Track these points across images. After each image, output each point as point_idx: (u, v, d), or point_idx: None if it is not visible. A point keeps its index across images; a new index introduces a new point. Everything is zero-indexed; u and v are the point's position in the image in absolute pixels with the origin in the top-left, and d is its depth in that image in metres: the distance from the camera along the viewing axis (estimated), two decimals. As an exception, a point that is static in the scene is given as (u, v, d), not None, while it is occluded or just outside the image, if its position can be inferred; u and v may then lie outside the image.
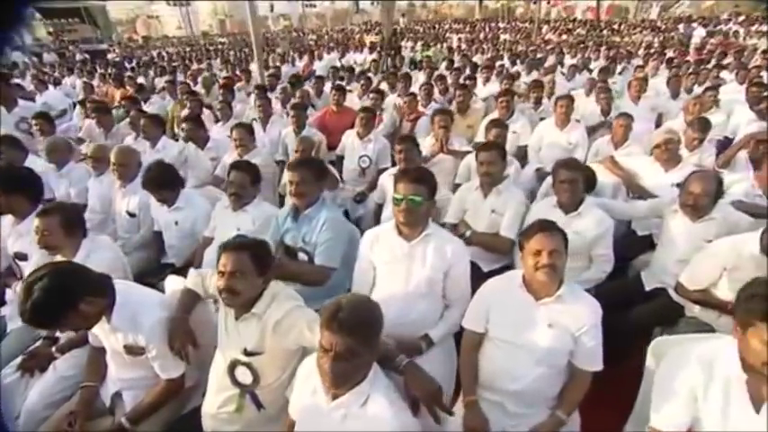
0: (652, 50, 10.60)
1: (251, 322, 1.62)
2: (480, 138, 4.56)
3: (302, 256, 2.32)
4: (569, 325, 1.61)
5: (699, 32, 13.77)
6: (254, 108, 4.76)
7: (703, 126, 3.53)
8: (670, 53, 10.06)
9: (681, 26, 15.61)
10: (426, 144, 3.77)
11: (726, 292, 2.05)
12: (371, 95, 4.86)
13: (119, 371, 1.81)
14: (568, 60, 9.30)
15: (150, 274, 2.84)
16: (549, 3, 15.41)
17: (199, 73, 8.75)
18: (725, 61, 8.74)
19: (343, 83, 6.32)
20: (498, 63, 8.15)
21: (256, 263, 1.59)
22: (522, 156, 4.30)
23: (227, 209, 2.66)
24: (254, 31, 6.16)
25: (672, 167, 3.09)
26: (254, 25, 6.14)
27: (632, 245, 3.02)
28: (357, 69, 8.21)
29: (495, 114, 4.52)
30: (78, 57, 14.19)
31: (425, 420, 1.41)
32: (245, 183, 2.55)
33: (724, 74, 7.56)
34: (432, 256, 1.94)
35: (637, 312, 2.37)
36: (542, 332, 1.62)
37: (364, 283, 2.08)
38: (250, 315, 1.62)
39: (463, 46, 13.08)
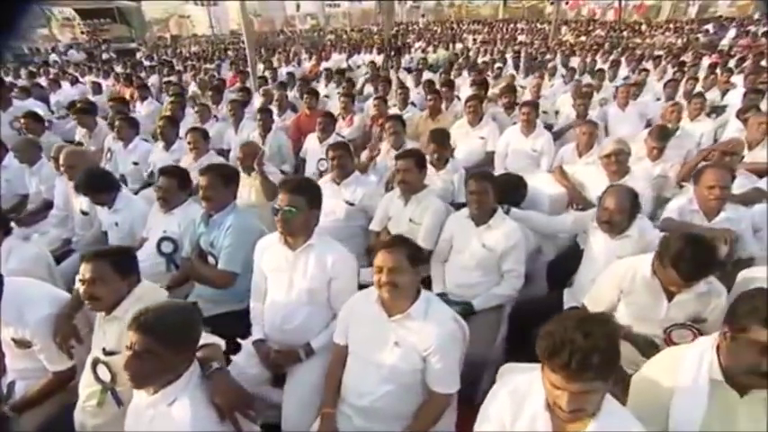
0: (671, 53, 10.17)
1: (113, 323, 1.70)
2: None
3: (211, 259, 2.40)
4: (417, 344, 1.59)
5: (730, 34, 13.04)
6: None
7: (661, 135, 3.38)
8: (689, 56, 9.59)
9: (710, 27, 14.82)
10: (383, 150, 3.79)
11: (624, 317, 1.98)
12: (342, 99, 4.88)
13: (11, 361, 1.93)
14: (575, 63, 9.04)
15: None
16: (566, 4, 14.91)
17: (206, 73, 9.03)
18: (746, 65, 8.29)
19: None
20: (497, 65, 8.01)
21: (117, 269, 1.67)
22: (489, 162, 4.25)
23: (159, 211, 2.76)
24: (246, 31, 6.29)
25: (618, 179, 2.97)
26: (245, 25, 6.27)
27: (576, 260, 2.95)
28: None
29: (464, 120, 4.47)
30: (105, 56, 14.86)
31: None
32: (171, 187, 2.64)
33: (738, 78, 7.18)
34: (313, 266, 1.97)
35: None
36: (389, 349, 1.62)
37: (258, 290, 2.14)
38: (112, 317, 1.70)
39: (480, 47, 12.85)
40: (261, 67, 9.10)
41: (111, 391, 1.70)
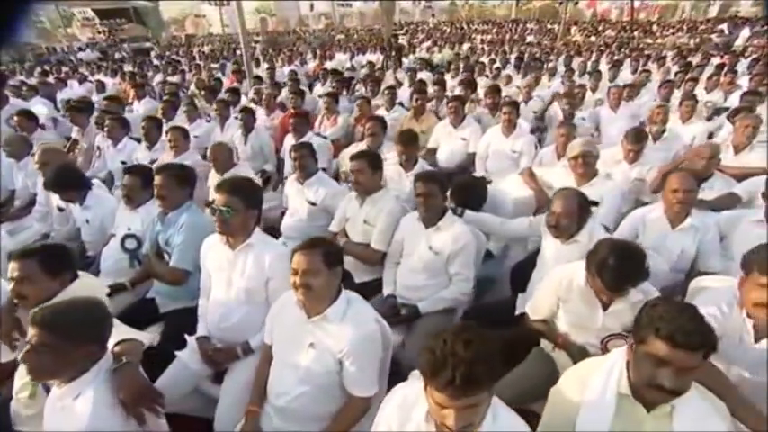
0: (680, 54, 9.92)
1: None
2: (432, 144, 4.51)
3: (167, 257, 2.44)
4: (332, 346, 1.59)
5: (744, 33, 12.64)
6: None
7: (637, 137, 3.31)
8: (697, 57, 9.34)
9: (724, 27, 14.37)
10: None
11: (563, 325, 1.95)
12: (325, 99, 4.90)
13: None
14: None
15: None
16: (575, 4, 14.63)
17: (210, 72, 9.16)
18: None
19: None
20: (495, 65, 7.93)
21: (45, 268, 1.71)
22: (471, 163, 4.22)
23: (125, 209, 2.82)
24: (241, 32, 6.36)
25: (585, 182, 2.92)
26: (241, 24, 6.34)
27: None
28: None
29: (447, 120, 4.44)
30: (117, 55, 15.20)
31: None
32: (135, 185, 2.68)
33: (745, 80, 6.96)
34: (251, 265, 1.99)
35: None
36: (305, 351, 1.62)
37: (205, 287, 2.17)
38: None
39: (485, 47, 12.74)
40: (265, 66, 9.21)
41: (42, 384, 1.75)
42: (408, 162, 3.17)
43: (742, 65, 8.34)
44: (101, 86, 7.64)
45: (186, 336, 2.17)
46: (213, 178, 3.45)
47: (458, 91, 5.54)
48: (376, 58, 11.08)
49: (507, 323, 2.31)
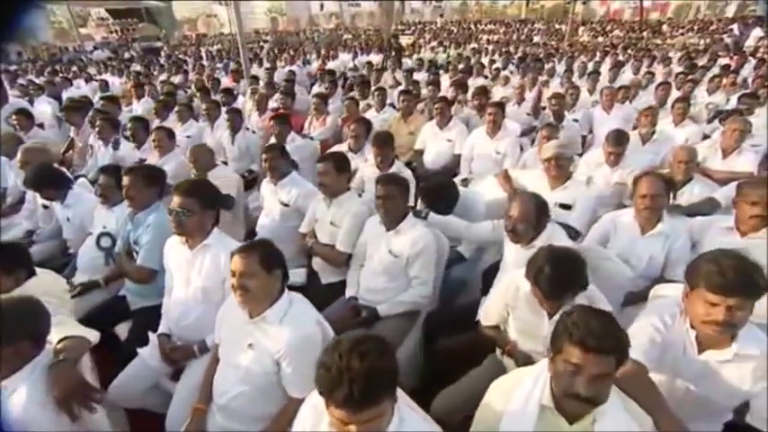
0: (687, 54, 9.72)
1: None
2: (419, 145, 4.50)
3: (136, 256, 2.48)
4: (269, 347, 1.60)
5: (756, 33, 12.33)
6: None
7: (617, 140, 3.26)
8: (704, 58, 9.16)
9: (735, 27, 14.04)
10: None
11: (512, 332, 1.93)
12: (314, 100, 4.93)
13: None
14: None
15: (53, 262, 3.17)
16: (584, 3, 14.43)
17: (213, 72, 9.26)
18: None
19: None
20: (495, 66, 7.88)
21: None
22: (456, 165, 4.20)
23: (102, 207, 2.88)
24: (239, 31, 6.43)
25: (558, 185, 2.89)
26: (239, 24, 6.40)
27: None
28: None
29: (434, 122, 4.42)
30: (126, 55, 15.46)
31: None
32: (110, 185, 2.73)
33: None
34: (207, 265, 2.02)
35: (454, 342, 2.26)
36: (244, 351, 1.64)
37: (169, 286, 2.21)
38: None
39: (489, 47, 12.66)
40: (267, 65, 9.28)
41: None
42: (384, 163, 3.17)
43: (750, 66, 8.17)
44: (104, 85, 7.77)
45: (150, 333, 2.22)
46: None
47: (450, 92, 5.51)
48: (380, 58, 11.09)
49: (473, 327, 2.32)
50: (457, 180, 3.99)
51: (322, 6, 29.79)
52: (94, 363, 2.12)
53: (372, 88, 5.41)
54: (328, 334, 1.71)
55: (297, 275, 2.78)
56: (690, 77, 6.26)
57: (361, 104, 5.48)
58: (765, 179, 2.30)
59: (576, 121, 5.13)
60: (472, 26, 21.26)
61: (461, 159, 4.15)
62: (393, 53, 9.34)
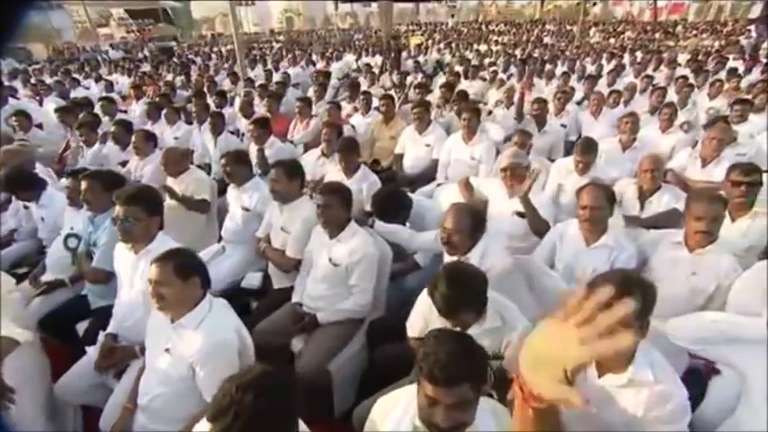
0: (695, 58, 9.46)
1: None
2: (399, 149, 4.51)
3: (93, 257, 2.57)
4: (184, 352, 1.65)
5: (775, 34, 11.91)
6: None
7: (585, 148, 3.21)
8: (711, 62, 8.88)
9: (752, 28, 13.55)
10: (312, 157, 3.86)
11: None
12: (298, 103, 4.97)
13: None
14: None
15: (29, 260, 3.31)
16: (593, 5, 14.12)
17: (214, 72, 9.43)
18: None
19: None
20: (492, 69, 7.81)
21: None
22: (435, 170, 4.19)
23: (71, 208, 2.98)
24: (235, 34, 6.52)
25: (515, 194, 2.87)
26: (234, 27, 6.49)
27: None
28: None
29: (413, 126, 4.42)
30: (140, 55, 15.82)
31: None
32: (76, 188, 2.81)
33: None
34: (148, 270, 2.07)
35: (396, 350, 2.27)
36: (162, 355, 1.70)
37: (118, 288, 2.28)
38: None
39: (493, 49, 12.54)
40: (270, 66, 9.39)
41: None
42: (348, 168, 3.20)
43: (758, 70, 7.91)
44: (109, 86, 7.98)
45: (100, 332, 2.30)
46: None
47: (438, 94, 5.50)
48: (383, 60, 11.09)
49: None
50: (432, 186, 4.01)
51: (337, 6, 29.87)
52: (55, 360, 2.25)
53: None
54: (247, 343, 1.75)
55: (253, 279, 2.84)
56: (688, 82, 6.08)
57: (349, 107, 5.53)
58: (711, 193, 2.24)
59: (564, 126, 5.08)
60: (483, 27, 21.04)
61: (439, 164, 4.14)
62: (393, 54, 9.31)
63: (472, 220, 2.09)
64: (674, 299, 2.20)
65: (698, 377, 1.90)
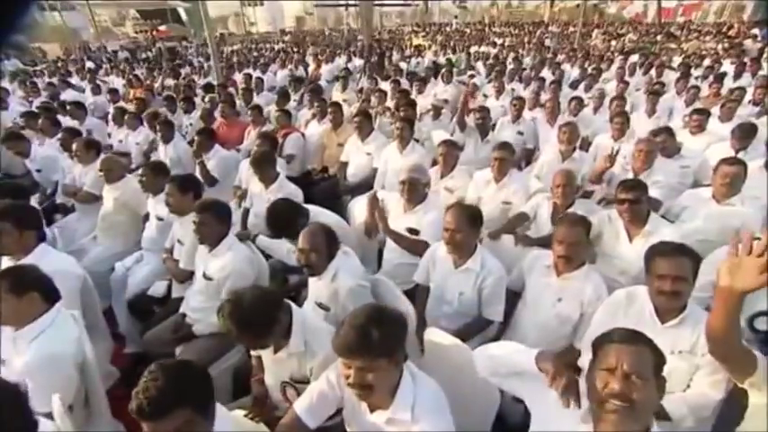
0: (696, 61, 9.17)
1: None
2: (344, 157, 4.52)
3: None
4: (17, 365, 1.72)
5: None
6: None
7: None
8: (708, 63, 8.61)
9: (757, 30, 13.00)
10: (245, 166, 3.91)
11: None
12: (251, 112, 5.04)
13: None
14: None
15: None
16: (594, 6, 13.76)
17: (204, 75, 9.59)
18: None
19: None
20: (469, 73, 7.73)
21: None
22: (374, 178, 4.20)
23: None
24: (208, 35, 6.62)
25: (410, 208, 2.84)
26: (209, 28, 6.59)
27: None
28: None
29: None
30: (143, 55, 16.17)
31: None
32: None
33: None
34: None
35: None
36: (4, 366, 1.77)
37: None
38: None
39: (490, 51, 12.40)
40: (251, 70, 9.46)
41: None
42: (264, 180, 3.24)
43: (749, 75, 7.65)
44: (96, 89, 8.19)
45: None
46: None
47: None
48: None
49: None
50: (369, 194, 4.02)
51: (347, 6, 29.91)
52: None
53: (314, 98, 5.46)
54: (87, 356, 1.81)
55: (159, 287, 2.91)
56: (654, 89, 5.92)
57: (309, 113, 5.56)
58: (571, 217, 2.19)
59: (520, 133, 5.01)
60: (486, 29, 20.78)
61: (377, 173, 4.15)
62: (375, 58, 9.30)
63: (326, 238, 2.10)
64: (542, 326, 2.19)
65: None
